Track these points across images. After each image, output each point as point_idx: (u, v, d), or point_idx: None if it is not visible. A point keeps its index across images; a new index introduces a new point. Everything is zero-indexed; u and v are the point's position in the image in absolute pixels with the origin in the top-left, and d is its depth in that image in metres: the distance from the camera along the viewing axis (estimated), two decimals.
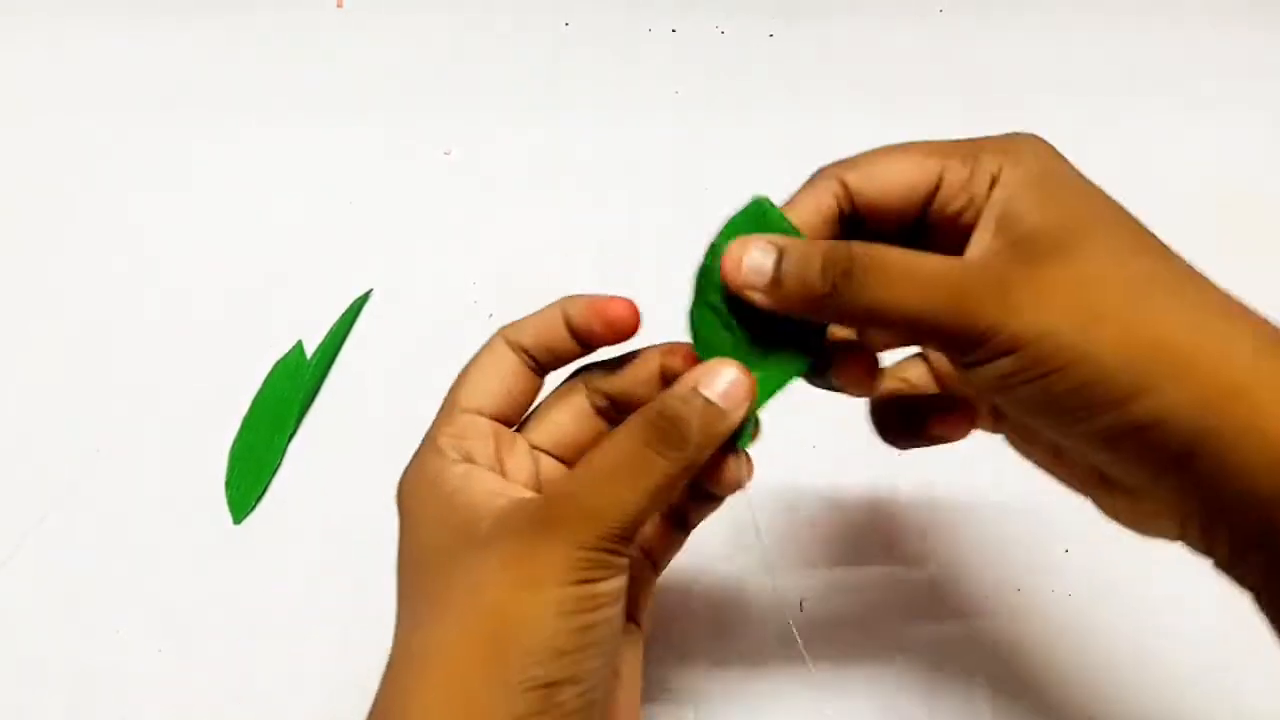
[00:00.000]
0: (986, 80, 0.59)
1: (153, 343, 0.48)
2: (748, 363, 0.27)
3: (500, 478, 0.28)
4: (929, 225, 0.27)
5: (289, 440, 0.44)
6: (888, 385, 0.32)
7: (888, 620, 0.38)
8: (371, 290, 0.50)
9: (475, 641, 0.25)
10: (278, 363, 0.47)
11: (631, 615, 0.30)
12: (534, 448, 0.29)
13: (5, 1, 0.63)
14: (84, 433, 0.44)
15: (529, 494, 0.28)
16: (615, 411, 0.30)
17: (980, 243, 0.25)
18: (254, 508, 0.42)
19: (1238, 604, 0.34)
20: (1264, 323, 0.24)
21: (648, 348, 0.30)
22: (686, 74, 0.60)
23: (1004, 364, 0.24)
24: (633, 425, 0.26)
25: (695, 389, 0.26)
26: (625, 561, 0.26)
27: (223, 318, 0.48)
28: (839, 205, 0.27)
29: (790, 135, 0.56)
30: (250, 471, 0.43)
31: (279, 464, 0.44)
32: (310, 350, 0.47)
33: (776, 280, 0.26)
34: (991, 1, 0.63)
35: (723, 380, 0.26)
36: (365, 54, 0.61)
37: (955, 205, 0.26)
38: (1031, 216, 0.24)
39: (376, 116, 0.58)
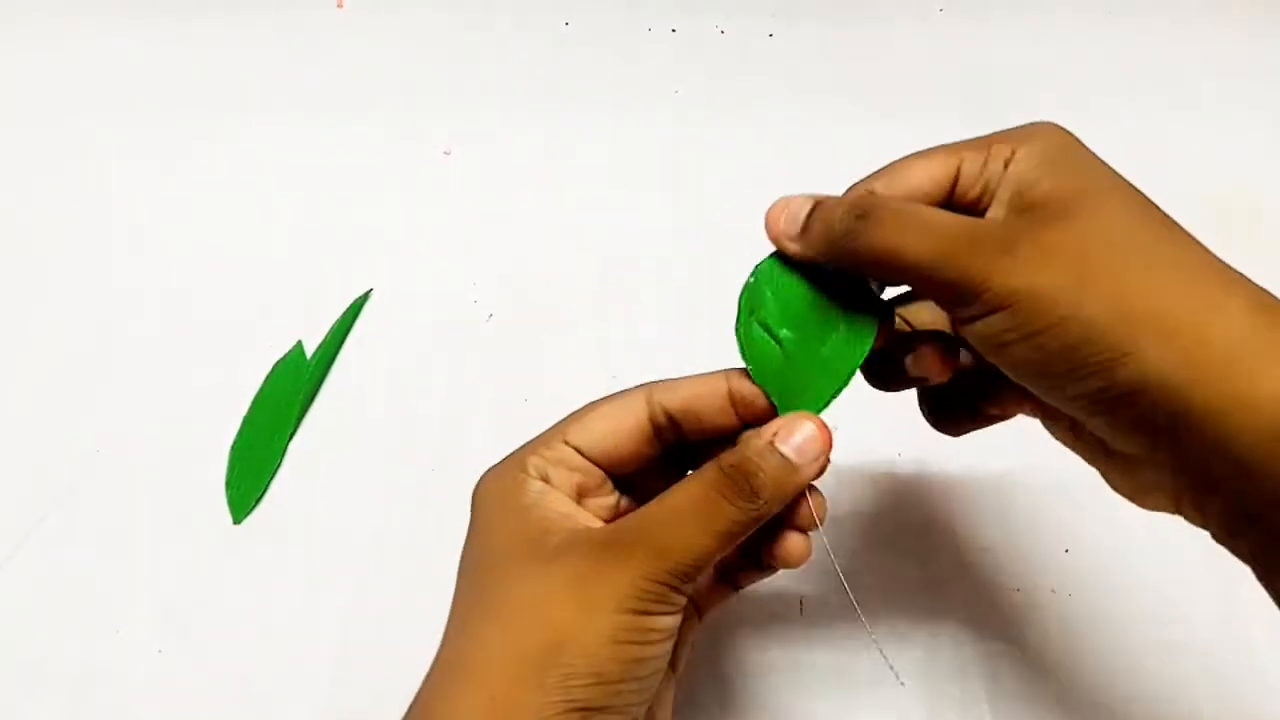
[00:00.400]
0: (986, 80, 0.59)
1: (153, 343, 0.48)
2: (800, 369, 0.28)
3: (574, 503, 0.29)
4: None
5: (289, 440, 0.44)
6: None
7: (887, 620, 0.38)
8: (371, 290, 0.50)
9: (525, 653, 0.25)
10: (278, 363, 0.47)
11: (672, 661, 0.30)
12: (576, 449, 0.29)
13: (5, 1, 0.63)
14: (84, 433, 0.44)
15: (600, 523, 0.28)
16: (674, 432, 0.30)
17: (993, 211, 0.26)
18: (254, 508, 0.42)
19: (1238, 605, 0.34)
20: (1262, 293, 0.25)
21: (712, 373, 0.30)
22: (686, 74, 0.60)
23: (996, 320, 0.24)
24: (709, 473, 0.27)
25: (772, 444, 0.27)
26: (683, 600, 0.26)
27: (223, 318, 0.48)
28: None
29: (790, 135, 0.56)
30: (250, 471, 0.43)
31: (279, 464, 0.44)
32: (310, 350, 0.47)
33: (806, 227, 0.27)
34: (991, 2, 0.63)
35: (800, 435, 0.27)
36: (365, 54, 0.61)
37: (974, 192, 0.27)
38: (1041, 185, 0.25)
39: (376, 116, 0.58)
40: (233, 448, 0.44)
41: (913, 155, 0.29)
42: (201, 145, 0.56)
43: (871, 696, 0.36)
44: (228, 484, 0.43)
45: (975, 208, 0.27)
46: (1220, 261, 0.25)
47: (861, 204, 0.26)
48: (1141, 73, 0.59)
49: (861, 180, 0.29)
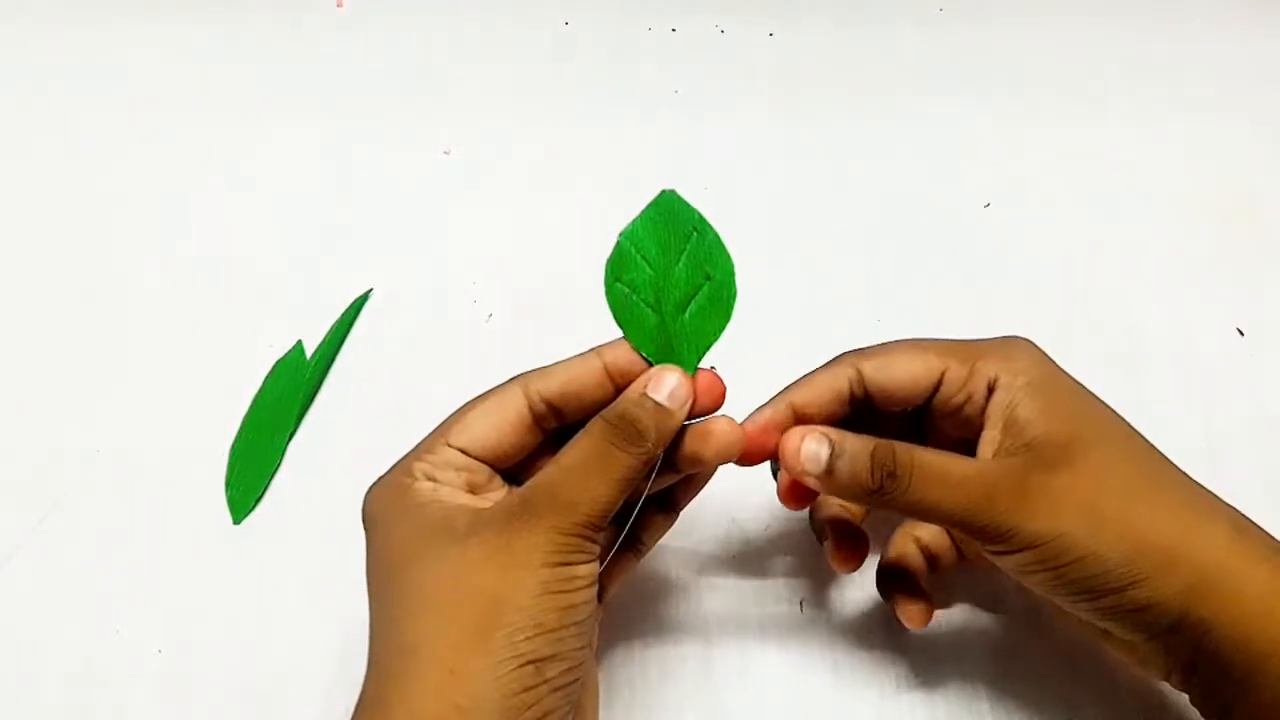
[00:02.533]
0: (986, 80, 0.59)
1: (152, 342, 0.48)
2: (670, 332, 0.31)
3: (469, 495, 0.30)
4: (930, 411, 0.32)
5: (289, 440, 0.44)
6: (898, 548, 0.36)
7: (887, 620, 0.38)
8: (371, 290, 0.50)
9: (463, 626, 0.26)
10: (278, 363, 0.47)
11: (600, 596, 0.31)
12: (459, 449, 0.31)
13: (7, 2, 0.63)
14: (84, 433, 0.44)
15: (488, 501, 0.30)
16: (554, 418, 0.32)
17: (991, 442, 0.30)
18: (254, 508, 0.42)
19: None
20: (1235, 514, 0.29)
21: (583, 354, 0.32)
22: (686, 73, 0.60)
23: (1024, 557, 0.29)
24: (596, 427, 0.29)
25: (645, 394, 0.30)
26: (597, 548, 0.29)
27: (223, 317, 0.48)
28: (852, 388, 0.32)
29: (790, 134, 0.56)
30: (250, 471, 0.43)
31: (279, 464, 0.44)
32: (310, 350, 0.47)
33: (830, 471, 0.30)
34: (991, 2, 0.63)
35: (667, 385, 0.30)
36: (365, 53, 0.61)
37: (955, 400, 0.31)
38: (1035, 426, 0.29)
39: (376, 116, 0.58)
40: (233, 448, 0.44)
41: (900, 347, 0.32)
42: (201, 145, 0.56)
43: (872, 696, 0.36)
44: (228, 484, 0.43)
45: (954, 413, 0.32)
46: (1194, 483, 0.30)
47: (886, 463, 0.29)
48: (1141, 72, 0.59)
49: (850, 353, 0.33)
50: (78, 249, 0.52)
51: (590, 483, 0.28)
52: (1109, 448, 0.29)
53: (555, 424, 0.32)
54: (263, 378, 0.46)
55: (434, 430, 0.32)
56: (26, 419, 0.45)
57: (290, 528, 0.42)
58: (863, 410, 0.33)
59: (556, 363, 0.32)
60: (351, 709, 0.31)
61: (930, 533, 0.36)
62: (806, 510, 0.37)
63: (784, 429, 0.31)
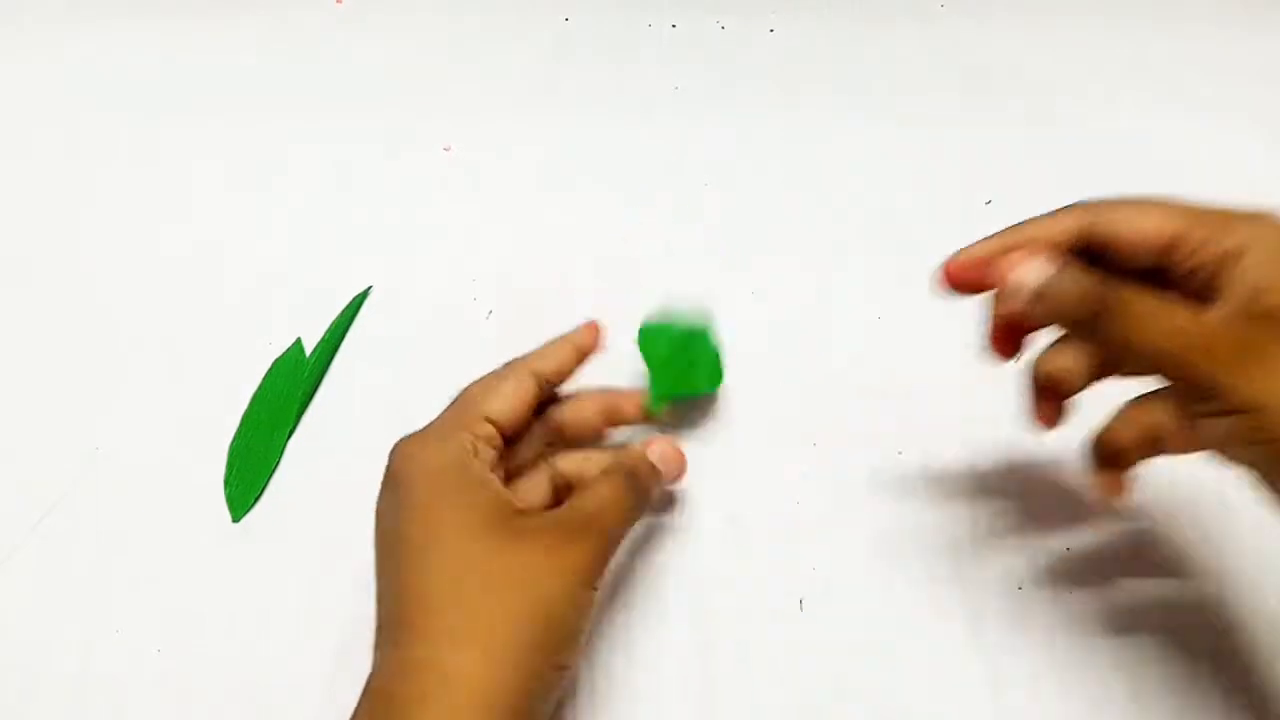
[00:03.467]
0: (986, 78, 0.59)
1: (152, 341, 0.48)
2: (675, 379, 0.42)
3: (502, 484, 0.34)
4: (1166, 271, 0.29)
5: (288, 438, 0.44)
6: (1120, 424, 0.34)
7: (887, 620, 0.38)
8: (370, 287, 0.49)
9: (520, 616, 0.29)
10: (276, 361, 0.47)
11: None
12: (493, 423, 0.36)
13: (6, 2, 0.63)
14: (83, 432, 0.44)
15: (521, 502, 0.34)
16: (545, 394, 0.38)
17: (1225, 305, 0.28)
18: (253, 505, 0.42)
19: (1237, 604, 0.34)
20: None
21: (562, 338, 0.39)
22: (686, 70, 0.60)
23: (1229, 422, 0.27)
24: (619, 477, 0.34)
25: (646, 458, 0.36)
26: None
27: (222, 315, 0.48)
28: (1080, 235, 0.30)
29: (790, 131, 0.56)
30: (249, 469, 0.43)
31: (278, 462, 0.44)
32: (309, 348, 0.47)
33: (1043, 294, 0.29)
34: (992, 0, 0.63)
35: (656, 452, 0.37)
36: (365, 51, 0.61)
37: (1193, 262, 0.29)
38: (1275, 295, 0.27)
39: (376, 113, 0.57)
40: (231, 445, 0.44)
41: (1140, 199, 0.30)
42: (201, 143, 0.56)
43: (872, 695, 0.37)
44: (226, 482, 0.43)
45: (1188, 278, 0.29)
46: None
47: (1098, 302, 0.28)
48: (1141, 72, 0.59)
49: (1087, 202, 0.31)
50: (77, 247, 0.51)
51: (617, 519, 0.33)
52: None
53: (544, 398, 0.38)
54: (261, 375, 0.46)
55: (466, 403, 0.36)
56: (26, 418, 0.45)
57: (290, 526, 0.42)
58: (1089, 264, 0.30)
59: (545, 346, 0.39)
60: (352, 709, 0.31)
61: (1153, 417, 0.33)
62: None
63: (1006, 258, 0.30)
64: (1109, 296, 0.28)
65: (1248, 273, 0.27)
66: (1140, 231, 0.29)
